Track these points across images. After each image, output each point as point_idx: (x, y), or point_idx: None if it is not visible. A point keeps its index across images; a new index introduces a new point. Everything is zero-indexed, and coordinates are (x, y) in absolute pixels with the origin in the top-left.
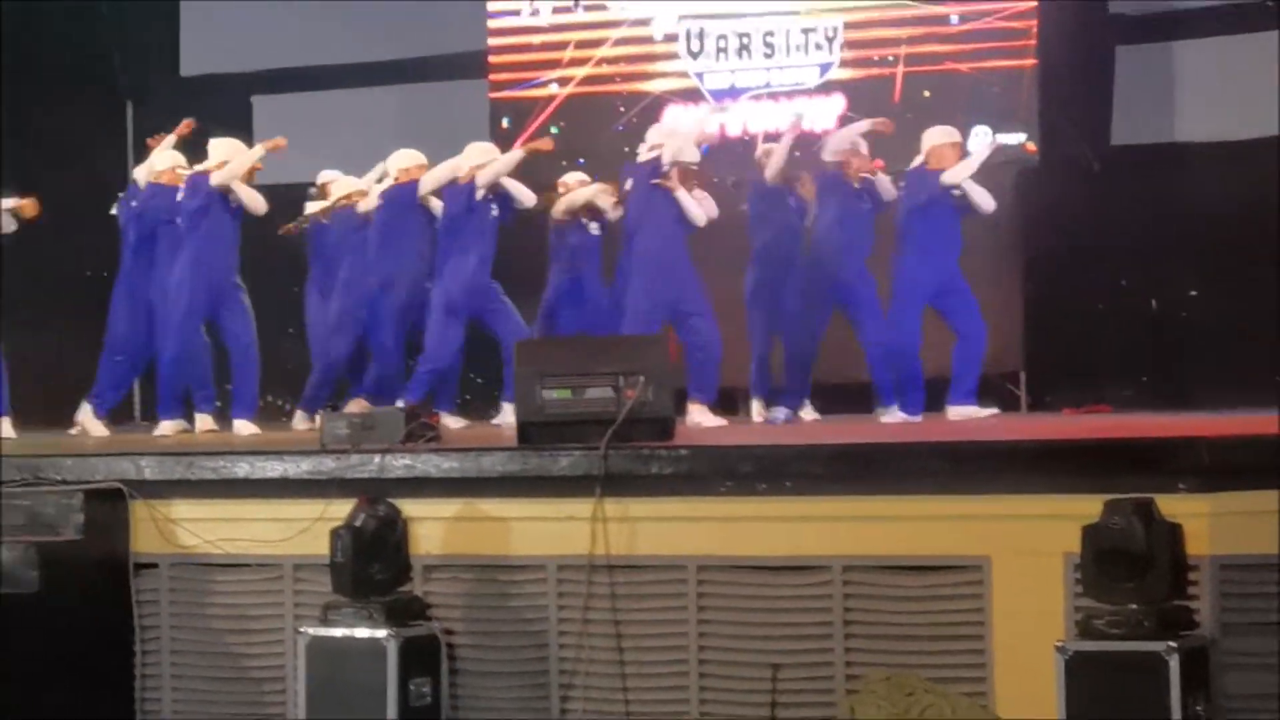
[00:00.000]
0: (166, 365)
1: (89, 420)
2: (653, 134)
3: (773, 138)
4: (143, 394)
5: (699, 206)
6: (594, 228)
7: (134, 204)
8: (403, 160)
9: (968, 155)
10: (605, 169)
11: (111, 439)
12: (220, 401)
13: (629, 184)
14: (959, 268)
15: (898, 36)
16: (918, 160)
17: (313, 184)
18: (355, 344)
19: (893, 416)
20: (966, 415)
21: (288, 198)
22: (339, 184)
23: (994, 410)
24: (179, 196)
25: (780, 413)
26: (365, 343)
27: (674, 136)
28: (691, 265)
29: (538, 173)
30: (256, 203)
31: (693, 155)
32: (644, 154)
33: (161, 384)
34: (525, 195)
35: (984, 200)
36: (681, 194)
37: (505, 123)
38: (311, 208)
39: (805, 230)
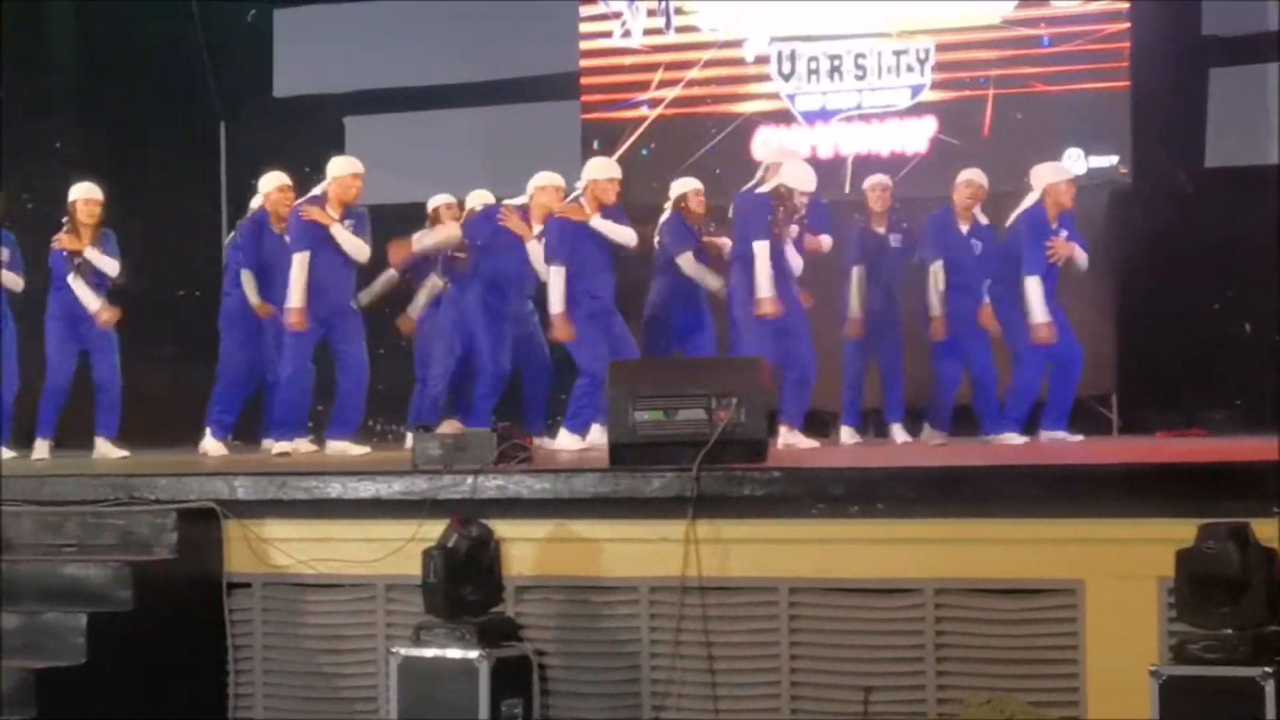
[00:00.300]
0: (284, 387)
1: (211, 444)
2: (767, 154)
3: (862, 161)
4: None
5: (799, 257)
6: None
7: (245, 228)
8: (540, 180)
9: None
10: None
11: (223, 459)
12: (311, 421)
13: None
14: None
15: (989, 58)
16: (1031, 199)
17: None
18: (461, 365)
19: (1012, 439)
20: (1058, 441)
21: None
22: (474, 197)
23: (1081, 437)
24: (287, 225)
25: (939, 435)
26: (468, 364)
27: (791, 159)
28: (796, 286)
29: (633, 194)
30: (360, 252)
31: (806, 184)
32: (760, 180)
33: (280, 406)
34: (627, 238)
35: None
36: (789, 248)
37: (596, 144)
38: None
39: (909, 265)
